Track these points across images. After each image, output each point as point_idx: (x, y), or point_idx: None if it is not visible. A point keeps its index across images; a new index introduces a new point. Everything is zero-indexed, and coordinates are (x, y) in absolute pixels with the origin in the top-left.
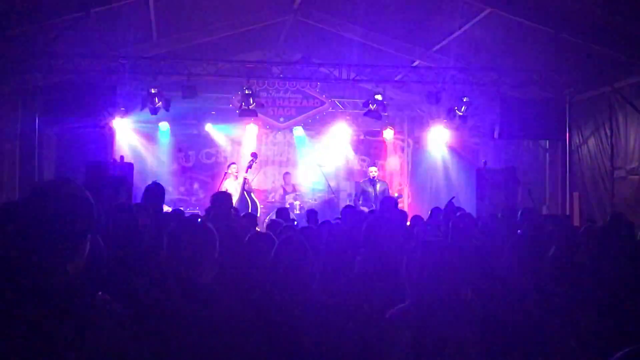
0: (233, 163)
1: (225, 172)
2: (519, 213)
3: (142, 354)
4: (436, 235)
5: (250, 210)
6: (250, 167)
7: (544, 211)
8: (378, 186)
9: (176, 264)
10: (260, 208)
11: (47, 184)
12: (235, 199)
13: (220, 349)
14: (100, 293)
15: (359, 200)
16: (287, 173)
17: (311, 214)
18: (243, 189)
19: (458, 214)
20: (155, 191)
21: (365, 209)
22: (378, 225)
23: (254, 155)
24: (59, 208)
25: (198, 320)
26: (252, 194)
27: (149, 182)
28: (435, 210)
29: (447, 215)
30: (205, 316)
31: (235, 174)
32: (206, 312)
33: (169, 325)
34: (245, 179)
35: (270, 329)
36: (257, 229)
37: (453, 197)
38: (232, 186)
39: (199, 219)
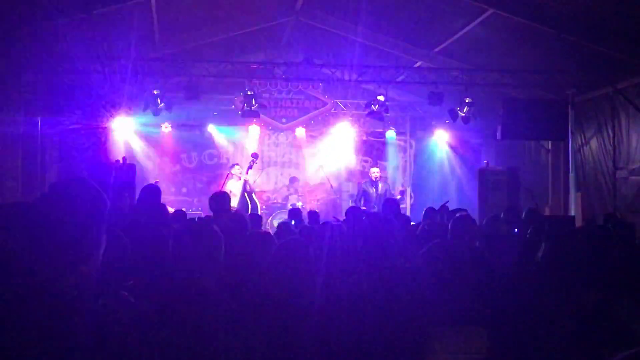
0: (236, 164)
1: (228, 173)
2: (524, 212)
3: (147, 354)
4: (431, 235)
5: (250, 212)
6: (250, 167)
7: (547, 212)
8: (380, 187)
9: (181, 266)
10: (262, 209)
11: (63, 183)
12: (236, 201)
13: (223, 349)
14: (121, 291)
15: (359, 202)
16: (294, 178)
17: (312, 215)
18: (244, 190)
19: (457, 214)
20: (151, 192)
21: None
22: (382, 227)
23: (255, 155)
24: (75, 206)
25: (202, 321)
26: (252, 195)
27: (152, 183)
28: (429, 210)
29: (442, 218)
30: (209, 317)
31: (239, 175)
32: (210, 313)
33: (172, 326)
34: (245, 180)
35: (274, 330)
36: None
37: (447, 202)
38: (235, 187)
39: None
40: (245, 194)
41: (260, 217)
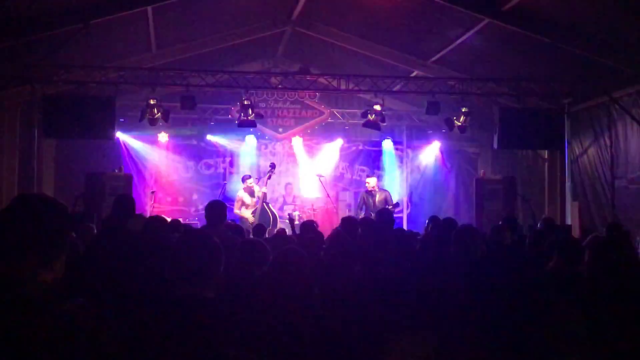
0: (249, 177)
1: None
2: (539, 222)
3: None
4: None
5: (271, 223)
6: (269, 178)
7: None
8: (377, 197)
9: (180, 278)
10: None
11: (17, 198)
12: (251, 211)
13: None
14: (79, 300)
15: (360, 211)
16: (288, 184)
17: (310, 224)
18: (264, 201)
19: (460, 224)
20: (124, 203)
21: None
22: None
23: (273, 165)
24: (31, 220)
25: (201, 334)
26: (270, 206)
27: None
28: (432, 220)
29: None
30: (209, 330)
31: (250, 186)
32: (210, 325)
33: (170, 340)
34: (264, 192)
35: (273, 341)
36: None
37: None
38: (247, 198)
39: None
40: (264, 204)
41: (264, 227)
